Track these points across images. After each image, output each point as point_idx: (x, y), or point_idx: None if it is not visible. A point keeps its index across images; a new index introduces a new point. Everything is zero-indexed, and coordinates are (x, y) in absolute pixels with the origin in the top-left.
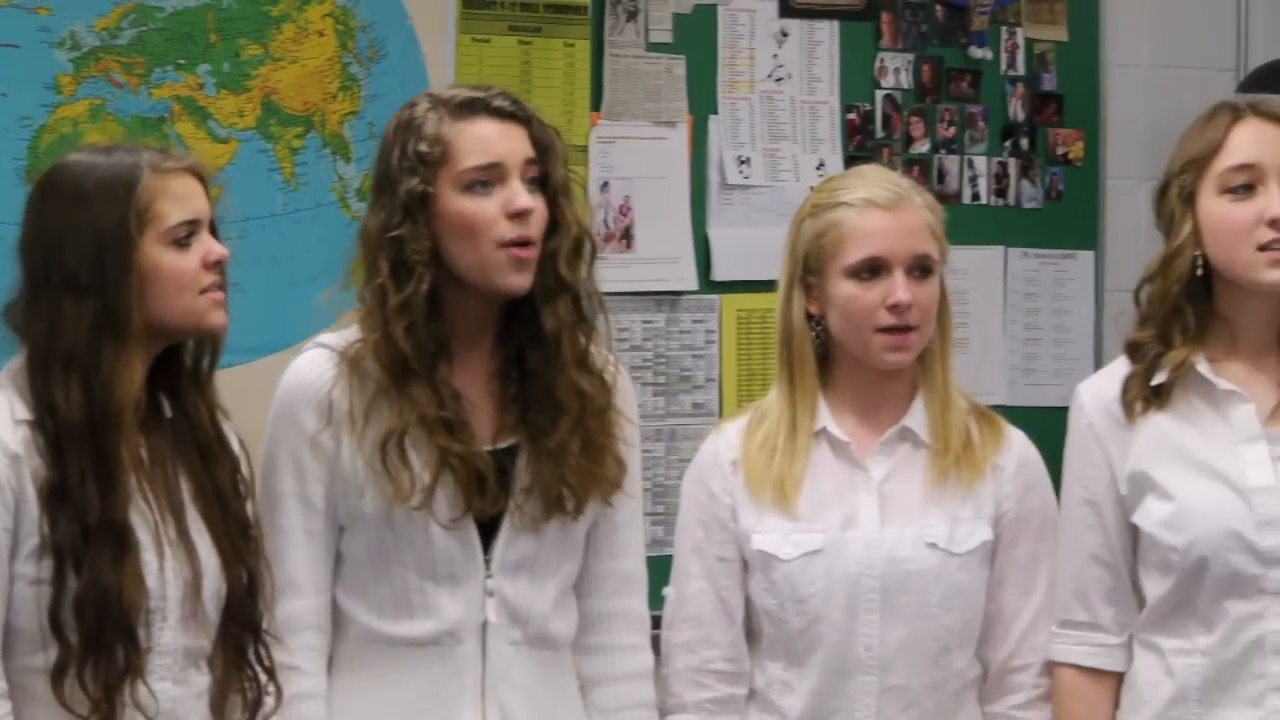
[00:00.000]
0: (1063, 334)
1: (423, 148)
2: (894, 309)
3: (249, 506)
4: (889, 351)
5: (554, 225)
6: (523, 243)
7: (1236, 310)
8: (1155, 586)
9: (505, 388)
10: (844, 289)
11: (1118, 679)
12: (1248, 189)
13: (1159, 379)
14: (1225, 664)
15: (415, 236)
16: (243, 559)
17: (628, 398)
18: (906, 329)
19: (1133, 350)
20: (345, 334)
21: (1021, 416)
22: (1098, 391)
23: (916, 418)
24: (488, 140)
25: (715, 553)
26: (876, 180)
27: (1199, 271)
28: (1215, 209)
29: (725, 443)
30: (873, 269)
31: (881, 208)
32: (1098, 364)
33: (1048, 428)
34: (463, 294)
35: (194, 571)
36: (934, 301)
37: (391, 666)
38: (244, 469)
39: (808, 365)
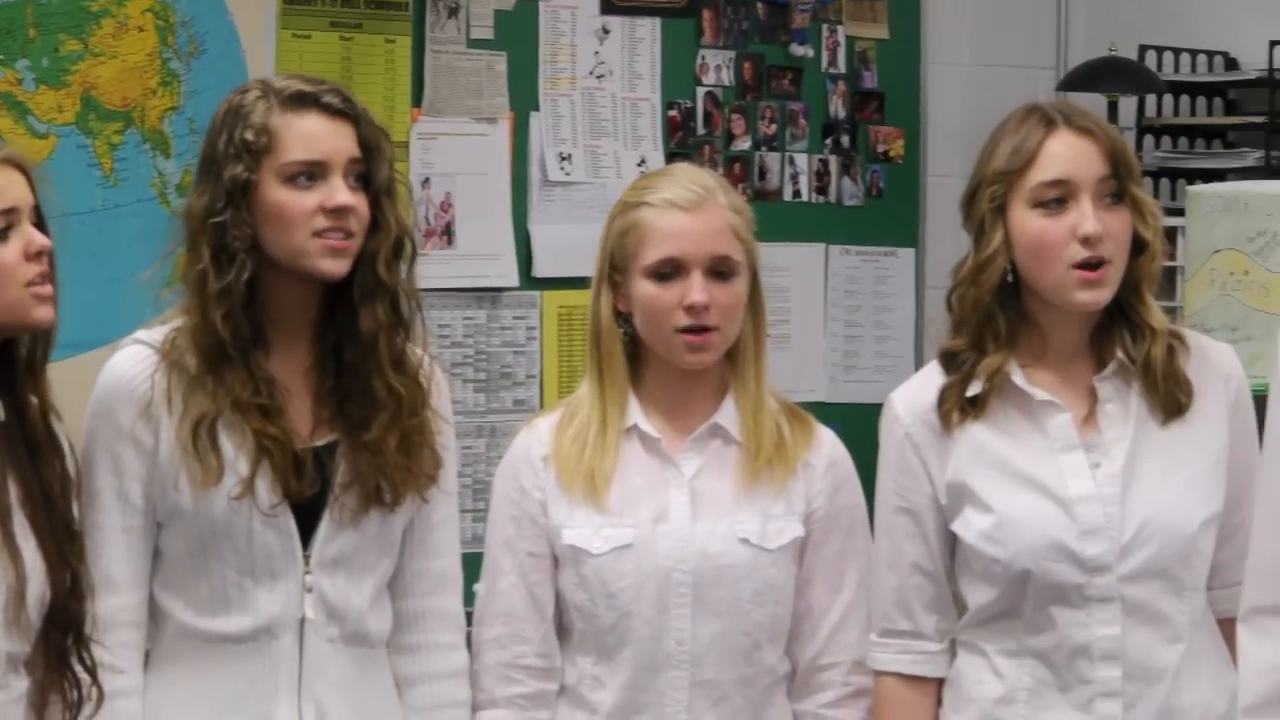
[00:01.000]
0: (883, 331)
1: (249, 136)
2: (690, 310)
3: (75, 506)
4: (688, 352)
5: (375, 225)
6: (338, 232)
7: (1047, 318)
8: (979, 595)
9: (323, 382)
10: (644, 288)
11: (939, 684)
12: (1060, 203)
13: (975, 389)
14: (1053, 668)
15: (237, 223)
16: (67, 562)
17: (443, 398)
18: (705, 329)
19: (947, 359)
20: (164, 329)
21: (842, 413)
22: (912, 400)
23: (727, 415)
24: (314, 137)
25: (526, 548)
26: (682, 180)
27: (1010, 279)
28: (1027, 223)
29: (537, 438)
30: (671, 270)
31: (681, 209)
32: (918, 361)
33: (869, 424)
34: (282, 282)
35: (18, 577)
36: (736, 302)
37: (208, 662)
38: (70, 467)
39: (616, 362)
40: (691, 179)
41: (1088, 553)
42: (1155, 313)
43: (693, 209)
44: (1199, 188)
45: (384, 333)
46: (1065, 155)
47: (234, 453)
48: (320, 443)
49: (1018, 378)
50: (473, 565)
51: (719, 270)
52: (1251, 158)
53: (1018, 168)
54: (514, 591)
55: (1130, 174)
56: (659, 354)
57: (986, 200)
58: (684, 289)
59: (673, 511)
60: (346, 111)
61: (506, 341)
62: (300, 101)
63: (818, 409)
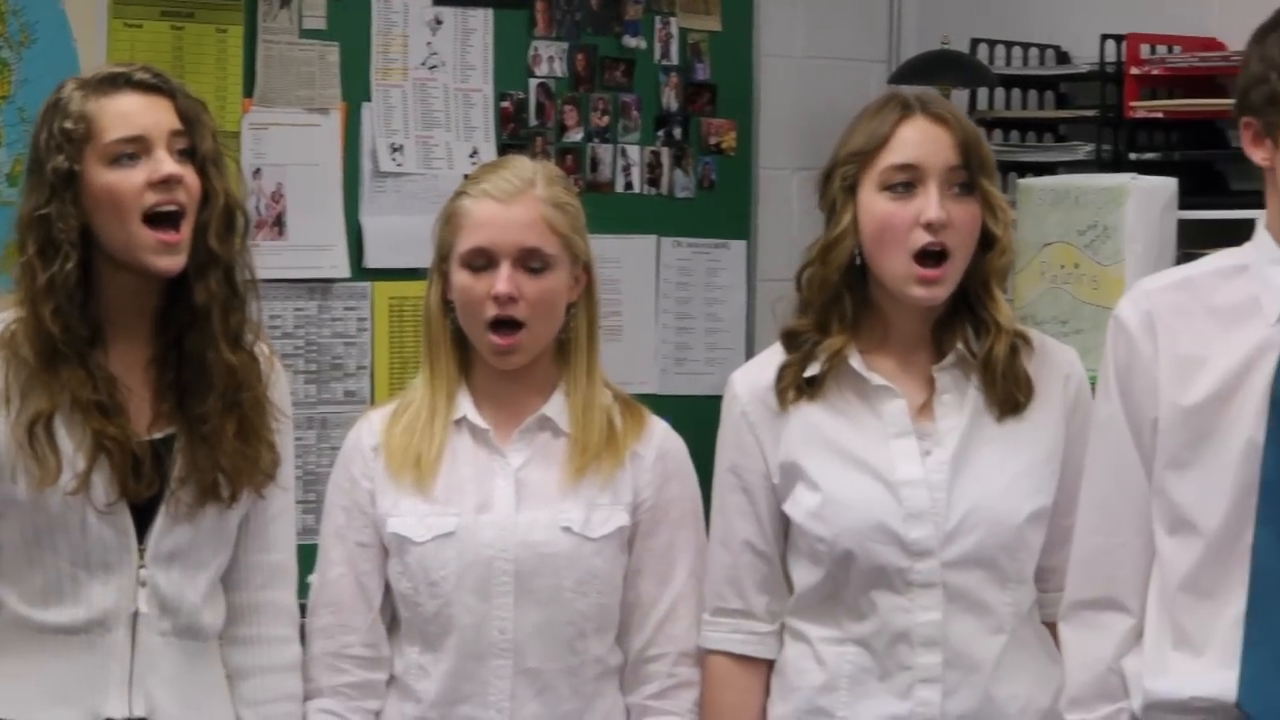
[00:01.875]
0: (715, 323)
1: (68, 125)
2: (496, 300)
3: None
4: (494, 354)
5: (204, 198)
6: (170, 217)
7: (891, 305)
8: (805, 576)
9: (163, 375)
10: (460, 277)
11: (769, 666)
12: (908, 188)
13: (813, 370)
14: (875, 654)
15: (62, 215)
16: None
17: (281, 390)
18: (513, 327)
19: (789, 338)
20: (3, 318)
21: (674, 405)
22: (752, 380)
23: (556, 407)
24: (131, 113)
25: (355, 538)
26: (505, 172)
27: (857, 261)
28: (875, 205)
29: (369, 428)
30: (482, 260)
31: (495, 199)
32: (749, 353)
33: (700, 416)
34: (117, 274)
35: None
36: (546, 297)
37: (40, 653)
38: None
39: (445, 352)
40: (515, 170)
41: (911, 536)
42: (1003, 309)
43: (506, 199)
44: (1030, 181)
45: (218, 305)
46: (916, 141)
47: (72, 450)
48: (158, 435)
49: (856, 361)
50: (304, 557)
51: (529, 263)
52: (1082, 151)
53: (870, 150)
54: (342, 581)
55: (982, 167)
56: (475, 346)
57: (839, 180)
58: (494, 279)
59: (497, 501)
60: (160, 86)
61: (337, 333)
62: (112, 83)
63: (649, 401)
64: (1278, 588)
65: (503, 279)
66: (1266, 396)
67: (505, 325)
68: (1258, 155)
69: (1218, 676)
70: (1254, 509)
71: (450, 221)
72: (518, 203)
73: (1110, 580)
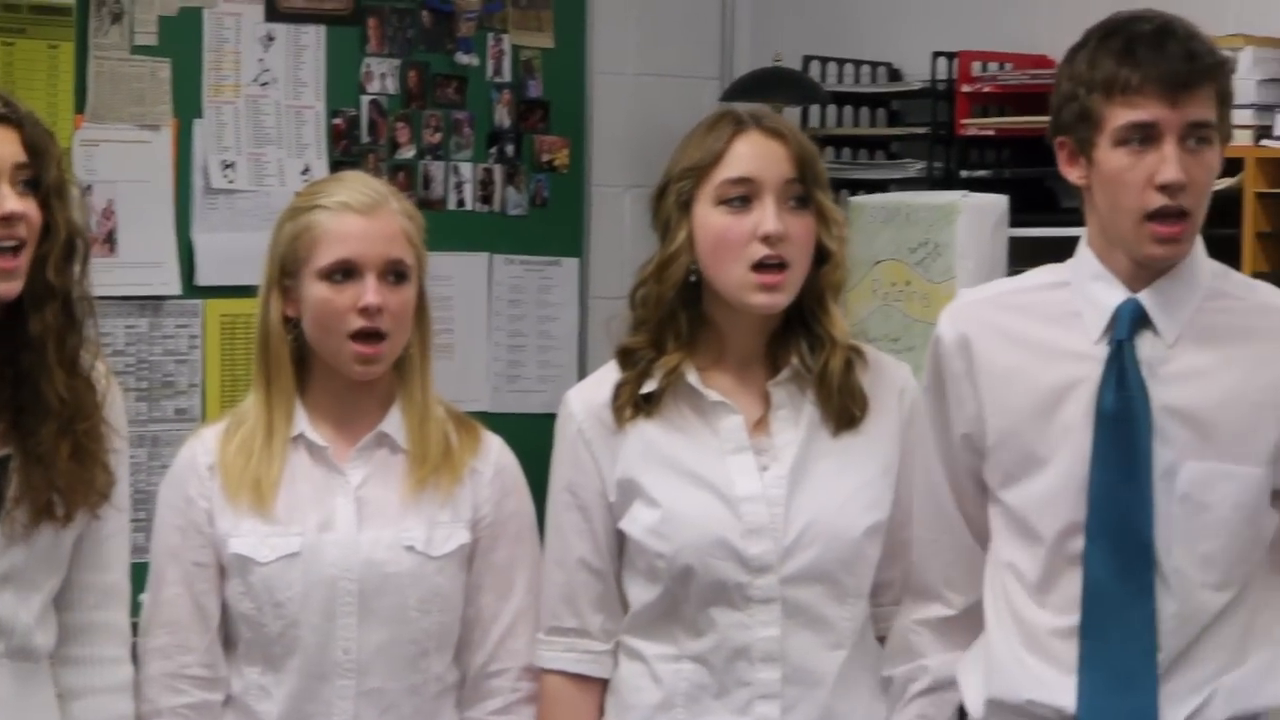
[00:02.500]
0: (547, 341)
1: None
2: (364, 312)
3: None
4: (357, 363)
5: (46, 229)
6: (10, 248)
7: (727, 321)
8: (642, 593)
9: None
10: (317, 291)
11: (604, 685)
12: (744, 202)
13: (650, 386)
14: (712, 671)
15: None
16: None
17: (117, 410)
18: (377, 339)
19: (624, 356)
20: None
21: (506, 423)
22: (587, 397)
23: (394, 423)
24: None
25: (192, 557)
26: (355, 185)
27: (693, 278)
28: (711, 220)
29: (203, 447)
30: (345, 272)
31: (357, 212)
32: (582, 371)
33: (532, 434)
34: None
35: None
36: (408, 308)
37: None
38: None
39: (284, 369)
40: (366, 184)
41: (751, 551)
42: (838, 324)
43: (368, 212)
44: (861, 198)
45: (53, 336)
46: (751, 155)
47: None
48: None
49: (692, 378)
50: (135, 575)
51: (393, 274)
52: (914, 169)
53: (705, 165)
54: (179, 601)
55: (817, 181)
56: (327, 362)
57: (674, 197)
58: (358, 291)
59: (339, 520)
60: (9, 116)
61: (169, 350)
62: None
63: (482, 419)
64: (1110, 602)
65: (371, 290)
66: (1091, 411)
67: (369, 336)
68: (1073, 175)
69: (1056, 684)
70: (1082, 524)
71: (303, 236)
72: (379, 215)
73: (926, 574)
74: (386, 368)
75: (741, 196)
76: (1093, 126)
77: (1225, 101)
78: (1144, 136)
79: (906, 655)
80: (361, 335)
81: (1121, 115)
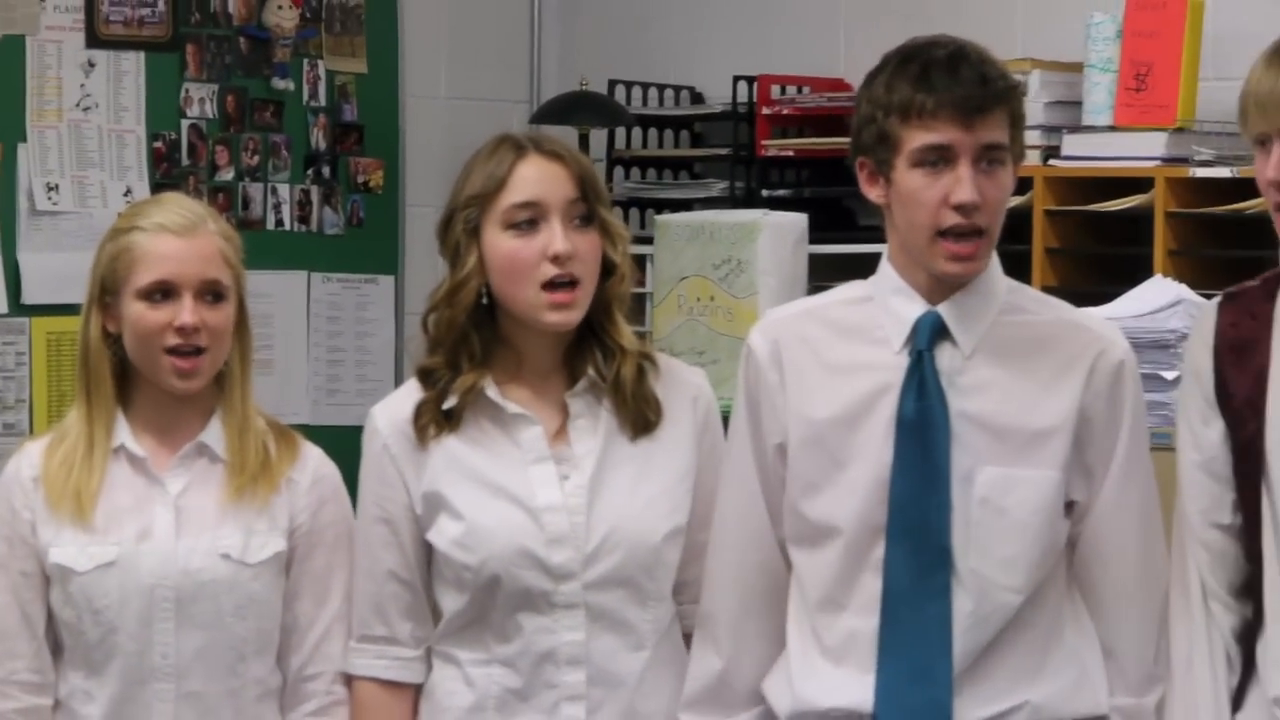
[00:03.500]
0: (364, 356)
1: None
2: (180, 331)
3: None
4: (176, 377)
5: None
6: None
7: (521, 337)
8: (451, 601)
9: None
10: (135, 309)
11: (416, 690)
12: (531, 224)
13: (450, 403)
14: (521, 674)
15: None
16: None
17: None
18: (195, 354)
19: (424, 376)
20: None
21: (325, 435)
22: (392, 413)
23: (213, 434)
24: None
25: (18, 567)
26: (172, 207)
27: (485, 300)
28: (500, 244)
29: (27, 460)
30: (163, 292)
31: (173, 234)
32: (398, 383)
33: (351, 445)
34: None
35: None
36: (226, 325)
37: None
38: None
39: (104, 383)
40: (183, 206)
41: (554, 560)
42: (626, 333)
43: (184, 233)
44: (666, 217)
45: None
46: (535, 178)
47: None
48: None
49: (492, 392)
50: None
51: (210, 293)
52: (717, 188)
53: (490, 191)
54: (7, 610)
55: (599, 198)
56: (147, 376)
57: (461, 224)
58: (175, 310)
59: (157, 529)
60: None
61: None
62: None
63: (303, 431)
64: (908, 601)
65: (187, 310)
66: (893, 421)
67: (186, 352)
68: (873, 194)
69: (855, 687)
70: (883, 528)
71: (123, 256)
72: (196, 236)
73: (725, 595)
74: (205, 382)
75: (528, 220)
76: (891, 148)
77: (1017, 124)
78: (939, 158)
79: (720, 706)
80: (179, 351)
81: (918, 138)
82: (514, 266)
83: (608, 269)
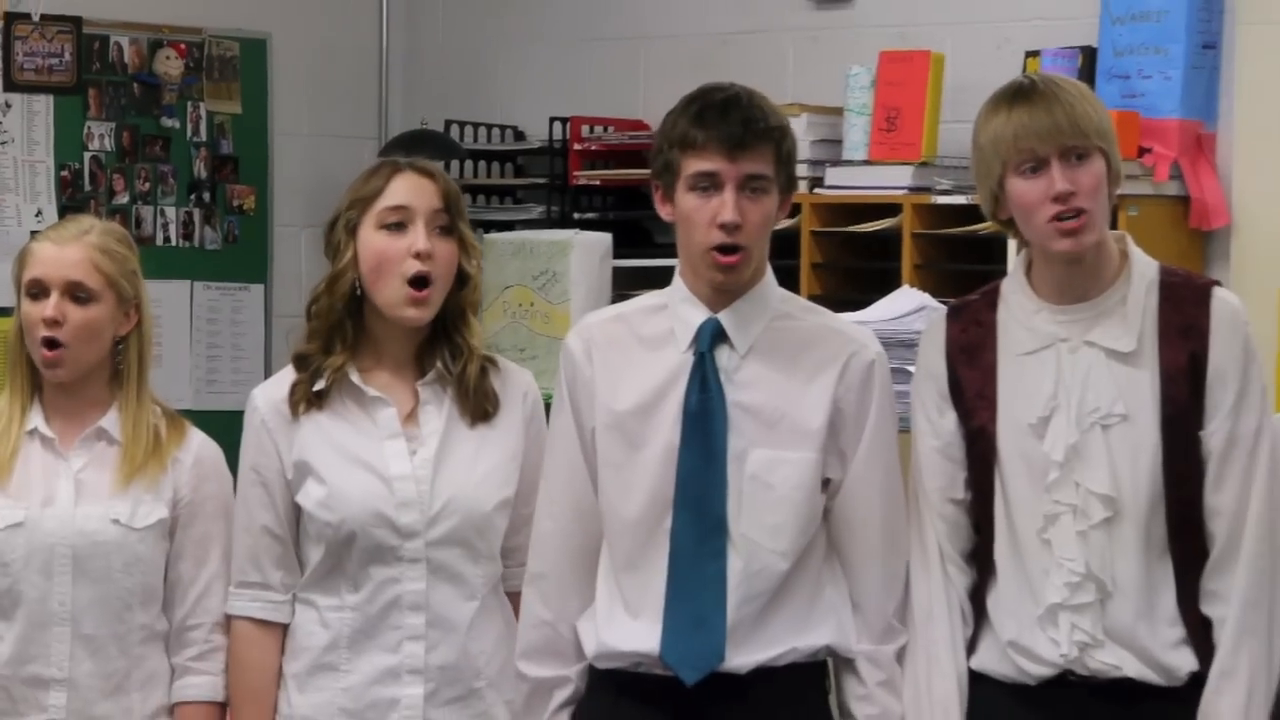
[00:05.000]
0: (239, 352)
1: None
2: (45, 323)
3: None
4: (44, 366)
5: None
6: None
7: (384, 331)
8: (314, 554)
9: None
10: (24, 306)
11: (283, 629)
12: (400, 227)
13: (320, 385)
14: (370, 618)
15: None
16: None
17: None
18: (54, 346)
19: (299, 360)
20: None
21: (206, 418)
22: (269, 394)
23: (111, 420)
24: None
25: None
26: (67, 224)
27: (358, 292)
28: (373, 241)
29: None
30: (36, 290)
31: (52, 242)
32: (267, 375)
33: (228, 427)
34: None
35: None
36: (87, 324)
37: None
38: None
39: (21, 373)
40: (78, 224)
41: (402, 520)
42: (475, 335)
43: (60, 243)
44: (494, 235)
45: None
46: (407, 188)
47: None
48: None
49: (355, 377)
50: None
51: (75, 294)
52: (536, 211)
53: (369, 197)
54: None
55: (460, 214)
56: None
57: (343, 224)
58: (44, 307)
59: (59, 497)
60: None
61: None
62: None
63: (187, 415)
64: (690, 562)
65: (50, 306)
66: (681, 409)
67: (50, 343)
68: (664, 213)
69: (647, 634)
70: (671, 500)
71: (19, 261)
72: (70, 246)
73: (550, 557)
74: (72, 373)
75: (398, 222)
76: (674, 174)
77: (784, 159)
78: (709, 184)
79: (555, 656)
80: (46, 342)
81: (692, 165)
82: (382, 261)
83: (462, 279)
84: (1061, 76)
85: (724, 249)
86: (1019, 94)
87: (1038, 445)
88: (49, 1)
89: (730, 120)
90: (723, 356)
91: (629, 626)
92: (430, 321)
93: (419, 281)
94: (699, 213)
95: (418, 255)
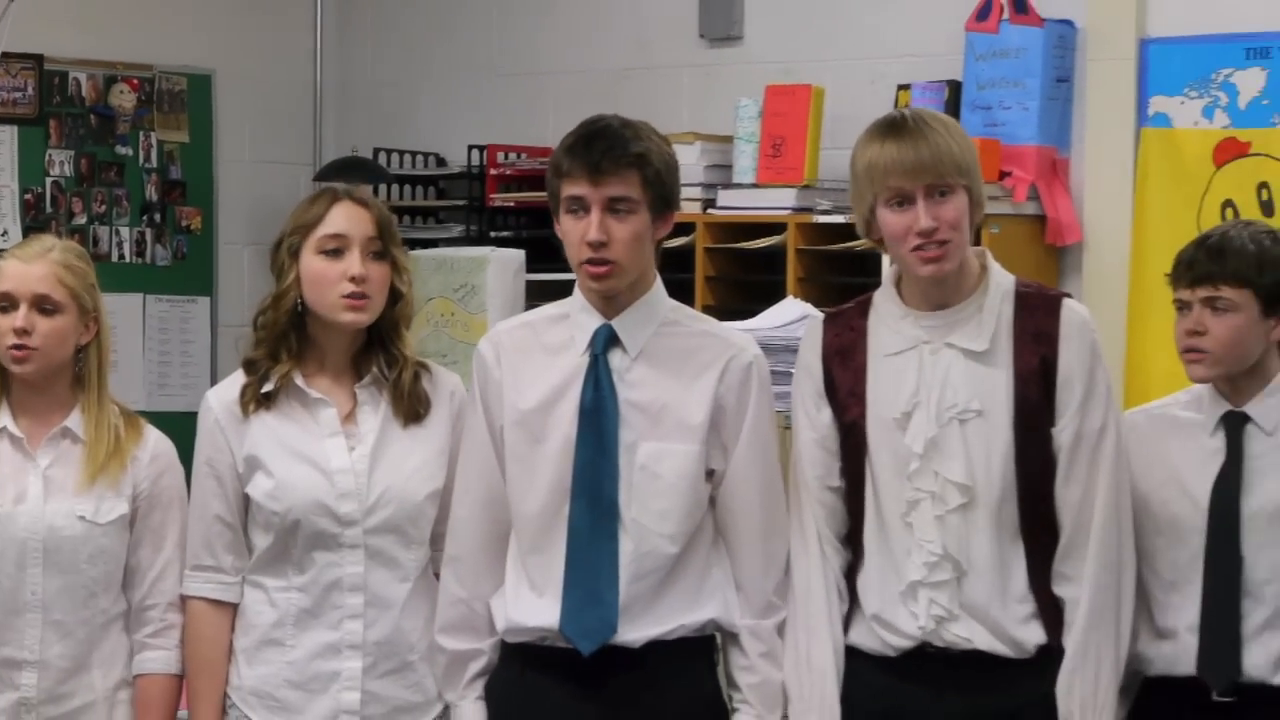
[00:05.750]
0: (187, 358)
1: None
2: (15, 332)
3: None
4: (13, 364)
5: None
6: None
7: (325, 339)
8: (261, 540)
9: None
10: None
11: (234, 608)
12: (337, 252)
13: (268, 387)
14: (313, 598)
15: None
16: None
17: None
18: (25, 351)
19: (249, 365)
20: None
21: (159, 418)
22: (222, 395)
23: (75, 421)
24: None
25: None
26: (33, 242)
27: (300, 308)
28: (312, 264)
29: None
30: (8, 303)
31: (19, 260)
32: (214, 380)
33: (178, 426)
34: None
35: None
36: (55, 332)
37: None
38: None
39: None
40: (42, 242)
41: (342, 510)
42: (408, 346)
43: (26, 260)
44: (418, 252)
45: None
46: (344, 218)
47: None
48: None
49: (299, 380)
50: None
51: (42, 305)
52: (456, 230)
53: (310, 224)
54: None
55: (393, 240)
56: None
57: (286, 248)
58: (14, 318)
59: (30, 494)
60: None
61: None
62: None
63: (142, 415)
64: (585, 544)
65: (20, 317)
66: (578, 406)
67: (19, 348)
68: (559, 233)
69: (550, 611)
70: (570, 488)
71: None
72: (36, 263)
73: (466, 541)
74: (41, 372)
75: (335, 249)
76: (556, 199)
77: (651, 182)
78: (578, 206)
79: (471, 631)
80: (15, 347)
81: (565, 190)
82: (320, 282)
83: (396, 296)
84: (931, 112)
85: (593, 262)
86: (890, 129)
87: (901, 438)
88: (13, 40)
89: (594, 150)
90: (615, 359)
91: (534, 604)
92: (367, 331)
93: (354, 296)
94: (572, 232)
95: (353, 279)
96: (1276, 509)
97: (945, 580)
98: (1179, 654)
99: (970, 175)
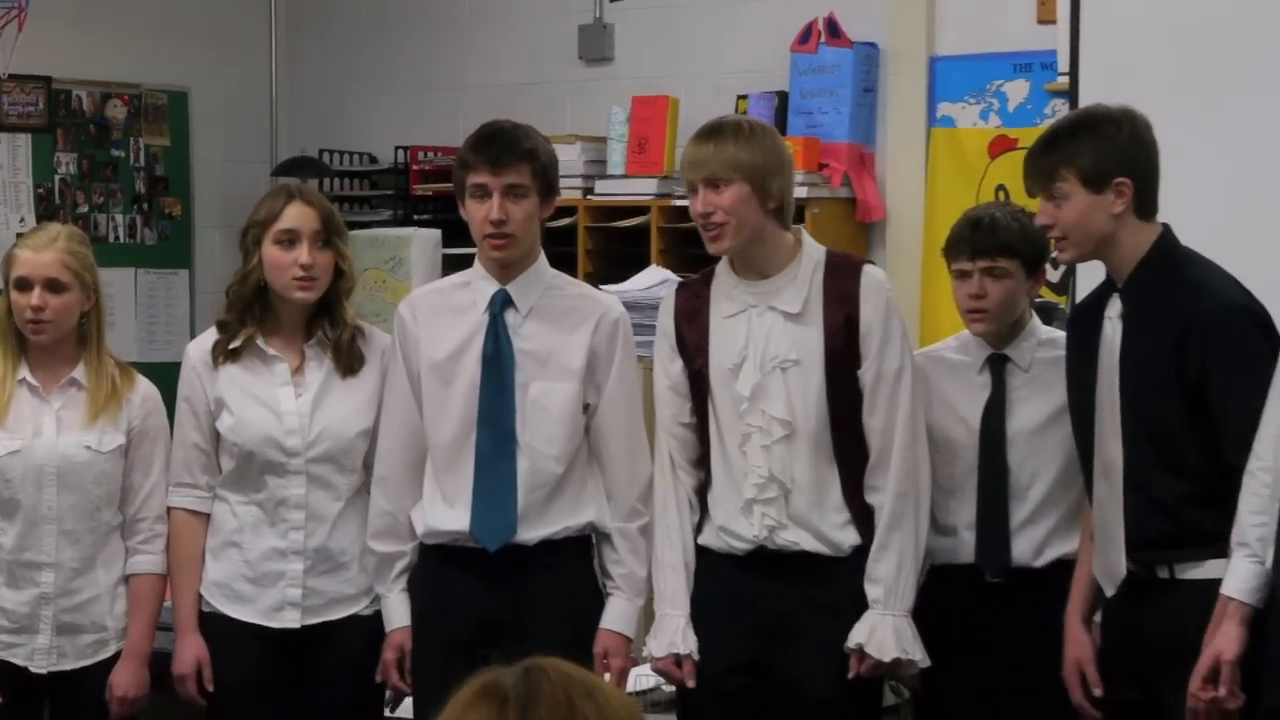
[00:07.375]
0: (171, 319)
1: None
2: (32, 309)
3: None
4: (32, 334)
5: None
6: None
7: (280, 308)
8: (226, 464)
9: None
10: (12, 295)
11: (207, 517)
12: (290, 243)
13: (234, 345)
14: (266, 512)
15: None
16: None
17: None
18: (40, 324)
19: (220, 326)
20: None
21: (148, 368)
22: (199, 347)
23: (80, 372)
24: None
25: None
26: (40, 232)
27: (261, 285)
28: (271, 253)
29: None
30: (22, 285)
31: (30, 248)
32: (193, 336)
33: (164, 374)
34: None
35: None
36: (64, 307)
37: None
38: None
39: (10, 341)
40: (49, 231)
41: (288, 444)
42: (349, 312)
43: (36, 249)
44: (357, 232)
45: None
46: (295, 214)
47: None
48: None
49: (260, 341)
50: None
51: (51, 286)
52: (386, 214)
53: (268, 220)
54: None
55: (336, 231)
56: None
57: (250, 236)
58: (30, 297)
59: (45, 430)
60: None
61: None
62: None
63: (135, 366)
64: (489, 464)
65: (35, 296)
66: (480, 354)
67: (36, 322)
68: (463, 214)
69: (460, 518)
70: (475, 420)
71: (5, 263)
72: (45, 251)
73: (390, 465)
74: (53, 337)
75: (288, 240)
76: (462, 187)
77: (540, 172)
78: (481, 193)
79: (394, 536)
80: (32, 321)
81: (470, 179)
82: (277, 267)
83: (339, 274)
84: (750, 119)
85: (494, 237)
86: (701, 132)
87: (735, 383)
88: (27, 65)
89: (494, 146)
90: (510, 316)
91: (448, 513)
92: (317, 302)
93: (303, 279)
94: (476, 213)
95: (302, 266)
96: (1033, 428)
97: (773, 497)
98: (958, 547)
99: (752, 172)
